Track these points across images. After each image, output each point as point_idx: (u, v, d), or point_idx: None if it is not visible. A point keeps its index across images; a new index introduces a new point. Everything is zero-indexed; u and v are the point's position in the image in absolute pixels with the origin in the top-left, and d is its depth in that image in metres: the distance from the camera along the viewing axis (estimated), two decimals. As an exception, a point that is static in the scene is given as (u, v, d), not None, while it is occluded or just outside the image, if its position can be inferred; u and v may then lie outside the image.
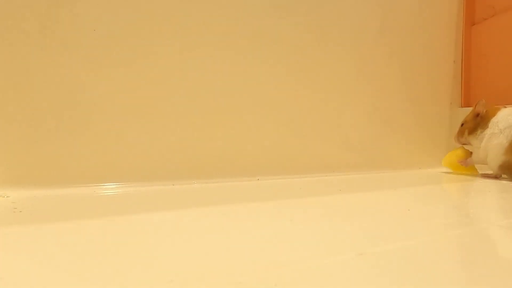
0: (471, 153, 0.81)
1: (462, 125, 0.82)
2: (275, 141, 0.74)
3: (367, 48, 0.87)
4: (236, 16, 0.70)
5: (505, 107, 0.77)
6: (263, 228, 0.35)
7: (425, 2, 0.98)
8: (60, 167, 0.56)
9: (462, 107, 1.05)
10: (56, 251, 0.27)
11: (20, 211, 0.40)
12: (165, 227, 0.35)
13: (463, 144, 0.83)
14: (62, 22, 0.56)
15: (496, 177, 0.75)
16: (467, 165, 0.81)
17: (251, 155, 0.71)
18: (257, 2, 0.72)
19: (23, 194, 0.50)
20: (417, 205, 0.48)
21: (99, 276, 0.22)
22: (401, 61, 0.93)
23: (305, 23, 0.78)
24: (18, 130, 0.53)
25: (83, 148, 0.57)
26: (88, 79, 0.58)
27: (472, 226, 0.37)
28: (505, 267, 0.25)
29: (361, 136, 0.86)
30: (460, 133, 0.82)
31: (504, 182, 0.71)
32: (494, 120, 0.74)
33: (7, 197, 0.48)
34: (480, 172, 0.82)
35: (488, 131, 0.75)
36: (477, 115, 0.78)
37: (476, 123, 0.78)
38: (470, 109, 0.81)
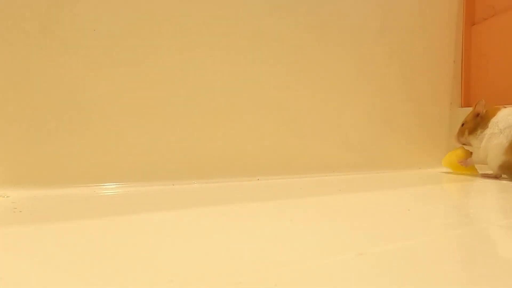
0: (471, 153, 0.81)
1: (462, 125, 0.82)
2: (275, 141, 0.74)
3: (367, 48, 0.87)
4: (235, 16, 0.70)
5: (505, 107, 0.77)
6: (263, 228, 0.35)
7: (425, 2, 0.98)
8: (60, 167, 0.56)
9: (462, 107, 1.05)
10: (56, 251, 0.27)
11: (20, 211, 0.40)
12: (165, 227, 0.35)
13: (463, 144, 0.83)
14: (62, 22, 0.56)
15: (496, 177, 0.75)
16: (467, 165, 0.81)
17: (251, 155, 0.71)
18: (257, 2, 0.72)
19: (23, 194, 0.50)
20: (417, 205, 0.48)
21: (99, 276, 0.22)
22: (401, 61, 0.93)
23: (305, 23, 0.78)
24: (18, 130, 0.53)
25: (83, 148, 0.57)
26: (88, 79, 0.58)
27: (472, 226, 0.37)
28: (505, 267, 0.25)
29: (361, 136, 0.86)
30: (460, 133, 0.82)
31: (504, 182, 0.71)
32: (494, 120, 0.74)
33: (7, 197, 0.48)
34: (480, 172, 0.82)
35: (488, 131, 0.75)
36: (477, 115, 0.78)
37: (476, 123, 0.78)
38: (470, 109, 0.81)
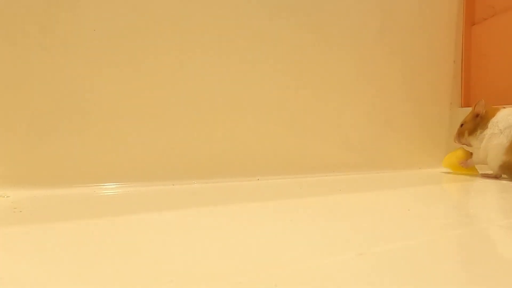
0: (471, 153, 0.81)
1: (461, 125, 0.82)
2: (275, 141, 0.74)
3: (367, 48, 0.87)
4: (235, 17, 0.70)
5: (504, 107, 0.77)
6: (263, 228, 0.35)
7: (425, 2, 0.98)
8: (60, 167, 0.56)
9: (462, 107, 1.05)
10: (56, 251, 0.27)
11: (20, 211, 0.40)
12: (165, 227, 0.35)
13: (463, 144, 0.83)
14: (62, 22, 0.56)
15: (496, 177, 0.75)
16: (467, 166, 0.81)
17: (251, 155, 0.71)
18: (258, 3, 0.72)
19: (23, 194, 0.50)
20: (417, 205, 0.48)
21: (99, 276, 0.22)
22: (401, 61, 0.93)
23: (305, 24, 0.78)
24: (18, 130, 0.53)
25: (83, 148, 0.57)
26: (88, 79, 0.58)
27: (472, 226, 0.37)
28: (505, 267, 0.25)
29: (361, 136, 0.86)
30: (460, 134, 0.82)
31: (504, 182, 0.71)
32: (493, 120, 0.74)
33: (7, 197, 0.48)
34: (480, 172, 0.82)
35: (488, 132, 0.75)
36: (477, 115, 0.78)
37: (476, 123, 0.78)
38: (470, 109, 0.81)
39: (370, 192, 0.61)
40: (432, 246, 0.29)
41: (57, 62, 0.55)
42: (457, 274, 0.24)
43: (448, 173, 0.87)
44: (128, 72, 0.60)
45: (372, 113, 0.88)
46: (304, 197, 0.54)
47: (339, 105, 0.83)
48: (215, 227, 0.35)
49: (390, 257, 0.26)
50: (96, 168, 0.58)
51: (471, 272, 0.25)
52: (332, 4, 0.81)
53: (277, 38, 0.74)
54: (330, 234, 0.33)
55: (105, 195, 0.53)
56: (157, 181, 0.61)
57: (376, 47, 0.89)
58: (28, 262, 0.25)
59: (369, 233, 0.33)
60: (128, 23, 0.60)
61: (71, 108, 0.56)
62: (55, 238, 0.31)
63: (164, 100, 0.63)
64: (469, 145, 0.81)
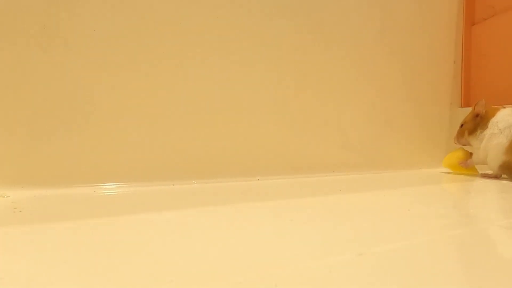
0: (471, 154, 0.81)
1: (461, 125, 0.82)
2: (275, 141, 0.74)
3: (367, 48, 0.87)
4: (236, 17, 0.70)
5: (504, 107, 0.77)
6: (263, 228, 0.35)
7: (425, 2, 0.98)
8: (60, 167, 0.56)
9: (462, 107, 1.05)
10: (56, 251, 0.27)
11: (20, 211, 0.40)
12: (165, 227, 0.35)
13: (463, 145, 0.83)
14: (62, 22, 0.56)
15: (496, 177, 0.75)
16: (467, 166, 0.81)
17: (251, 155, 0.71)
18: (258, 4, 0.72)
19: (23, 194, 0.50)
20: (417, 205, 0.48)
21: (99, 276, 0.22)
22: (401, 61, 0.93)
23: (305, 24, 0.78)
24: (18, 130, 0.53)
25: (83, 148, 0.57)
26: (88, 79, 0.58)
27: (472, 226, 0.37)
28: (505, 267, 0.25)
29: (361, 136, 0.86)
30: (460, 134, 0.82)
31: (504, 182, 0.71)
32: (493, 120, 0.74)
33: (7, 197, 0.48)
34: (480, 172, 0.82)
35: (488, 132, 0.75)
36: (477, 115, 0.78)
37: (476, 123, 0.78)
38: (470, 109, 0.81)
39: (370, 192, 0.61)
40: (432, 246, 0.29)
41: (57, 62, 0.55)
42: (457, 274, 0.24)
43: (448, 173, 0.87)
44: (128, 72, 0.60)
45: (372, 113, 0.88)
46: (304, 197, 0.54)
47: (339, 105, 0.83)
48: (215, 227, 0.35)
49: (390, 257, 0.26)
50: (96, 168, 0.58)
51: (471, 272, 0.25)
52: (332, 4, 0.81)
53: (277, 38, 0.74)
54: (330, 234, 0.33)
55: (105, 195, 0.53)
56: (157, 181, 0.61)
57: (376, 47, 0.89)
58: (28, 262, 0.25)
59: (369, 233, 0.33)
60: (128, 23, 0.60)
61: (71, 108, 0.56)
62: (55, 238, 0.31)
63: (164, 100, 0.63)
64: (469, 145, 0.81)
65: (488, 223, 0.38)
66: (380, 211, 0.44)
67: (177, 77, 0.64)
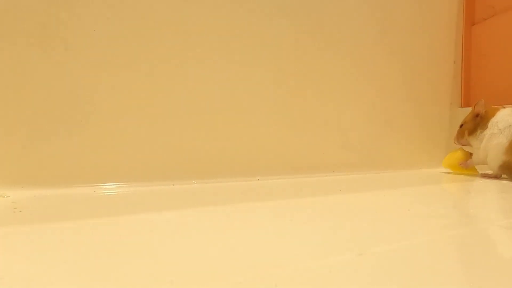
0: (471, 154, 0.81)
1: (461, 126, 0.82)
2: (275, 141, 0.74)
3: (367, 48, 0.87)
4: (236, 18, 0.70)
5: (504, 107, 0.77)
6: (263, 228, 0.35)
7: (425, 2, 0.98)
8: (60, 167, 0.56)
9: (462, 107, 1.05)
10: (56, 251, 0.27)
11: (20, 211, 0.40)
12: (165, 227, 0.35)
13: (463, 145, 0.83)
14: (62, 22, 0.56)
15: (496, 177, 0.75)
16: (467, 166, 0.81)
17: (251, 155, 0.71)
18: (258, 4, 0.72)
19: (23, 194, 0.50)
20: (417, 205, 0.48)
21: (99, 276, 0.22)
22: (401, 61, 0.93)
23: (305, 24, 0.78)
24: (18, 130, 0.53)
25: (83, 148, 0.57)
26: (88, 79, 0.58)
27: (472, 226, 0.37)
28: (505, 267, 0.25)
29: (361, 136, 0.86)
30: (460, 134, 0.82)
31: (504, 182, 0.71)
32: (493, 120, 0.74)
33: (7, 197, 0.48)
34: (480, 172, 0.82)
35: (487, 132, 0.75)
36: (477, 115, 0.78)
37: (476, 123, 0.78)
38: (470, 109, 0.81)
39: (370, 192, 0.61)
40: (432, 246, 0.30)
41: (57, 62, 0.55)
42: (457, 274, 0.24)
43: (448, 173, 0.87)
44: (128, 72, 0.60)
45: (372, 113, 0.89)
46: (304, 197, 0.54)
47: (339, 105, 0.83)
48: (215, 227, 0.35)
49: (390, 257, 0.26)
50: (96, 168, 0.58)
51: (471, 272, 0.25)
52: (332, 4, 0.81)
53: (277, 38, 0.74)
54: (330, 234, 0.33)
55: (105, 195, 0.53)
56: (157, 181, 0.61)
57: (376, 47, 0.89)
58: (28, 262, 0.25)
59: (369, 233, 0.33)
60: (128, 23, 0.60)
61: (71, 108, 0.56)
62: (55, 238, 0.31)
63: (164, 100, 0.63)
64: (469, 145, 0.81)
65: (488, 223, 0.38)
66: (380, 211, 0.44)
67: (177, 77, 0.64)
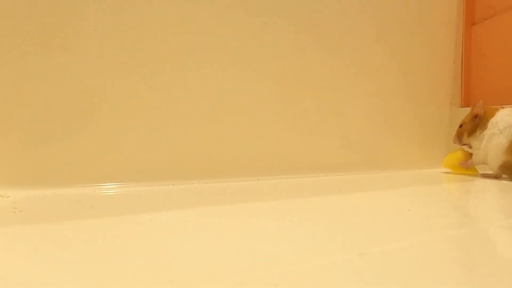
0: (471, 154, 0.81)
1: (460, 126, 0.82)
2: (275, 141, 0.74)
3: (367, 48, 0.87)
4: (236, 18, 0.70)
5: (503, 107, 0.77)
6: (263, 228, 0.35)
7: (425, 2, 0.98)
8: (60, 167, 0.56)
9: (462, 107, 1.05)
10: (56, 251, 0.27)
11: (20, 211, 0.40)
12: (165, 227, 0.35)
13: (462, 145, 0.83)
14: (62, 22, 0.56)
15: (496, 177, 0.75)
16: (467, 167, 0.82)
17: (251, 155, 0.71)
18: (259, 5, 0.72)
19: (23, 194, 0.50)
20: (417, 205, 0.48)
21: (99, 276, 0.22)
22: (401, 62, 0.93)
23: (305, 24, 0.78)
24: (18, 130, 0.53)
25: (83, 148, 0.57)
26: (88, 79, 0.58)
27: (472, 226, 0.37)
28: (505, 267, 0.25)
29: (361, 136, 0.86)
30: (459, 135, 0.82)
31: (504, 182, 0.71)
32: (493, 120, 0.74)
33: (7, 197, 0.48)
34: (480, 172, 0.82)
35: (487, 132, 0.75)
36: (476, 116, 0.78)
37: (475, 124, 0.78)
38: (470, 109, 0.81)
39: (370, 192, 0.61)
40: (432, 246, 0.30)
41: (57, 62, 0.55)
42: (457, 274, 0.24)
43: (448, 173, 0.87)
44: (128, 72, 0.60)
45: (372, 113, 0.89)
46: (304, 197, 0.54)
47: (339, 105, 0.83)
48: (215, 227, 0.35)
49: (390, 257, 0.26)
50: (96, 168, 0.58)
51: (471, 272, 0.25)
52: (332, 4, 0.81)
53: (277, 38, 0.74)
54: (330, 234, 0.33)
55: (105, 195, 0.53)
56: (157, 181, 0.61)
57: (376, 47, 0.89)
58: (28, 262, 0.25)
59: (369, 233, 0.33)
60: (128, 23, 0.60)
61: (71, 108, 0.56)
62: (55, 238, 0.31)
63: (164, 100, 0.63)
64: (468, 145, 0.81)
65: (488, 223, 0.38)
66: (380, 211, 0.44)
67: (177, 77, 0.64)
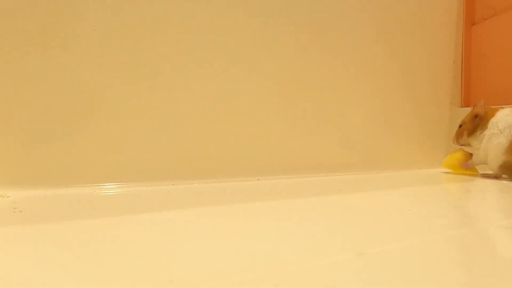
0: (471, 154, 0.81)
1: (460, 126, 0.82)
2: (275, 141, 0.74)
3: (367, 48, 0.87)
4: (237, 18, 0.70)
5: (502, 107, 0.77)
6: (263, 228, 0.35)
7: (425, 2, 0.98)
8: (60, 167, 0.56)
9: (462, 107, 1.05)
10: (56, 251, 0.27)
11: (20, 211, 0.40)
12: (165, 227, 0.35)
13: (462, 145, 0.83)
14: (62, 22, 0.56)
15: (496, 177, 0.75)
16: (467, 167, 0.82)
17: (251, 155, 0.71)
18: (258, 4, 0.72)
19: (23, 194, 0.50)
20: (417, 205, 0.48)
21: (99, 276, 0.22)
22: (401, 61, 0.93)
23: (305, 24, 0.78)
24: (18, 130, 0.53)
25: (83, 148, 0.57)
26: (88, 79, 0.58)
27: (472, 226, 0.37)
28: (505, 267, 0.25)
29: (361, 136, 0.86)
30: (459, 135, 0.82)
31: (504, 182, 0.71)
32: (493, 120, 0.74)
33: (7, 197, 0.48)
34: (480, 172, 0.82)
35: (487, 132, 0.75)
36: (476, 116, 0.78)
37: (475, 124, 0.78)
38: (470, 109, 0.81)
39: (370, 192, 0.61)
40: (432, 246, 0.30)
41: (57, 62, 0.55)
42: (457, 274, 0.24)
43: (448, 173, 0.87)
44: (128, 72, 0.60)
45: (372, 113, 0.89)
46: (304, 197, 0.54)
47: (339, 105, 0.83)
48: (215, 227, 0.35)
49: (390, 257, 0.26)
50: (96, 168, 0.58)
51: (471, 272, 0.25)
52: (332, 4, 0.81)
53: (277, 38, 0.74)
54: (330, 234, 0.33)
55: (105, 195, 0.53)
56: (157, 181, 0.61)
57: (376, 47, 0.89)
58: (28, 262, 0.25)
59: (369, 233, 0.33)
60: (128, 23, 0.60)
61: (71, 108, 0.56)
62: (55, 238, 0.31)
63: (164, 100, 0.63)
64: (468, 145, 0.81)
65: (488, 223, 0.38)
66: (380, 211, 0.44)
67: (177, 77, 0.64)
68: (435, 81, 1.01)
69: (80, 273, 0.23)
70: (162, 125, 0.63)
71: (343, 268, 0.24)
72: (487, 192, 0.61)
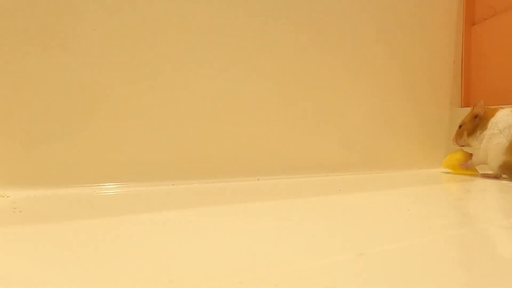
0: (470, 155, 0.81)
1: (460, 126, 0.82)
2: (275, 141, 0.74)
3: (367, 48, 0.87)
4: (237, 18, 0.70)
5: (502, 107, 0.77)
6: (263, 228, 0.35)
7: (425, 2, 0.98)
8: (60, 167, 0.56)
9: (462, 107, 1.05)
10: (56, 251, 0.27)
11: (20, 211, 0.40)
12: (165, 227, 0.35)
13: (462, 145, 0.83)
14: (62, 22, 0.56)
15: (496, 177, 0.75)
16: (467, 167, 0.82)
17: (251, 155, 0.71)
18: (260, 5, 0.72)
19: (23, 194, 0.50)
20: (417, 205, 0.48)
21: (99, 276, 0.22)
22: (401, 62, 0.93)
23: (305, 24, 0.78)
24: (18, 130, 0.53)
25: (83, 148, 0.57)
26: (88, 79, 0.58)
27: (472, 226, 0.37)
28: (505, 267, 0.25)
29: (361, 136, 0.86)
30: (459, 135, 0.82)
31: (504, 182, 0.71)
32: (493, 120, 0.74)
33: (7, 197, 0.48)
34: (480, 172, 0.82)
35: (487, 132, 0.75)
36: (476, 116, 0.78)
37: (475, 124, 0.78)
38: (470, 109, 0.81)
39: (370, 192, 0.61)
40: (432, 246, 0.30)
41: (57, 62, 0.55)
42: (457, 274, 0.24)
43: (448, 173, 0.87)
44: (128, 72, 0.60)
45: (372, 113, 0.89)
46: (304, 197, 0.54)
47: (339, 105, 0.83)
48: (215, 227, 0.35)
49: (390, 257, 0.26)
50: (96, 168, 0.58)
51: (471, 272, 0.25)
52: (332, 4, 0.81)
53: (277, 39, 0.74)
54: (330, 234, 0.33)
55: (105, 195, 0.53)
56: (157, 181, 0.61)
57: (376, 47, 0.89)
58: (28, 262, 0.25)
59: (369, 233, 0.33)
60: (128, 23, 0.60)
61: (71, 108, 0.56)
62: (55, 238, 0.31)
63: (164, 100, 0.63)
64: (468, 146, 0.81)
65: (488, 223, 0.38)
66: (380, 211, 0.44)
67: (177, 77, 0.64)
68: (435, 81, 1.01)
69: (80, 273, 0.23)
70: (162, 125, 0.63)
71: (343, 268, 0.24)
72: (487, 192, 0.61)
